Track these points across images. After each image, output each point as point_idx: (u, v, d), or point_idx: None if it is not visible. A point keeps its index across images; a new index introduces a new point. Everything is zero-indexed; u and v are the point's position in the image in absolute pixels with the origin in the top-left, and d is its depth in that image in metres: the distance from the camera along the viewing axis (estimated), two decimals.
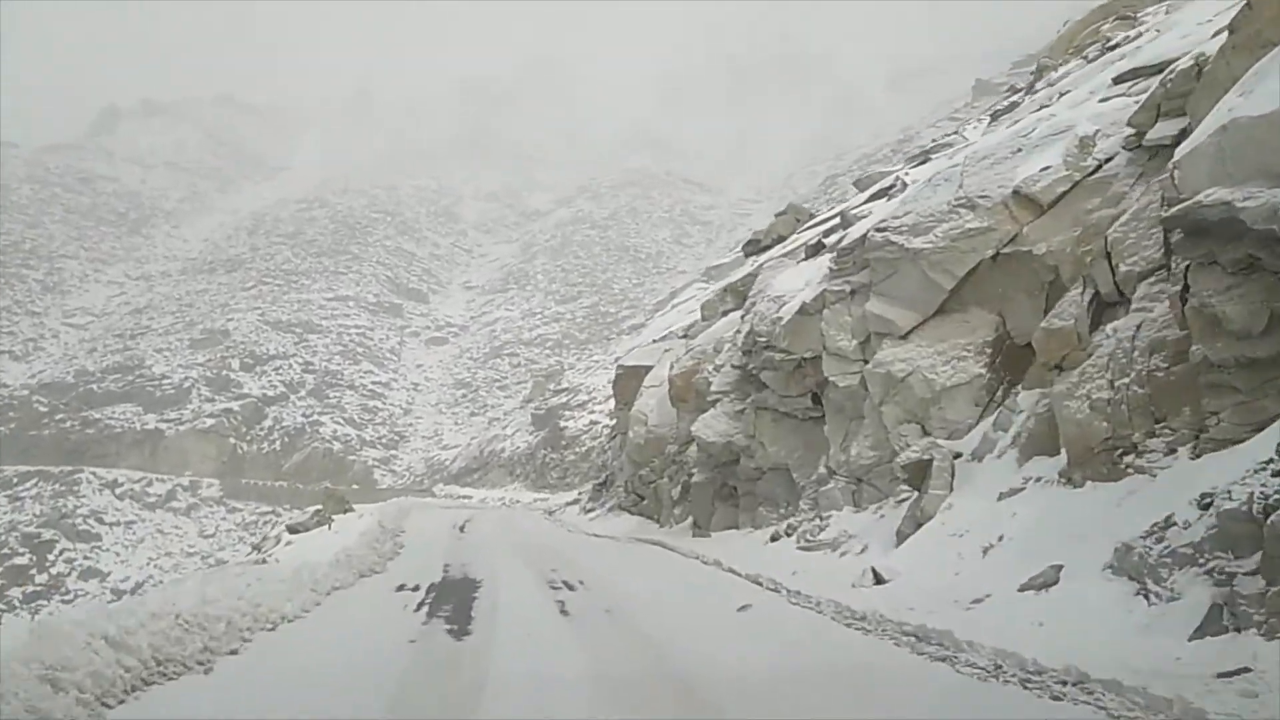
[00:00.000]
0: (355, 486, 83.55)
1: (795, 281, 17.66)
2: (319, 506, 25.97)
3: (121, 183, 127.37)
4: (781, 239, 26.47)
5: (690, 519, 20.95)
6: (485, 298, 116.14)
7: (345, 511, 27.29)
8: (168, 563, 77.42)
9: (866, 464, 14.39)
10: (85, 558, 77.25)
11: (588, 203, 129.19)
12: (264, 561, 18.59)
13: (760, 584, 11.82)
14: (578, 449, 74.53)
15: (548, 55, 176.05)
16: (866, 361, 14.99)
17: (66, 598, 71.87)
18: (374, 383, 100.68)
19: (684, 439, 23.77)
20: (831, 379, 15.31)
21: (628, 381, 28.88)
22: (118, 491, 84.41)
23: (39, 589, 74.04)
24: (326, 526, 23.11)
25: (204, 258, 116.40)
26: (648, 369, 28.39)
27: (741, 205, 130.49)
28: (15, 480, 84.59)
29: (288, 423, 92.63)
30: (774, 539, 15.36)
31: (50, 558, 76.73)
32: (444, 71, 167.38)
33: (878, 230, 14.89)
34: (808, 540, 14.13)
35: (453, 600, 10.93)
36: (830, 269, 16.02)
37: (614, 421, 34.87)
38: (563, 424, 77.50)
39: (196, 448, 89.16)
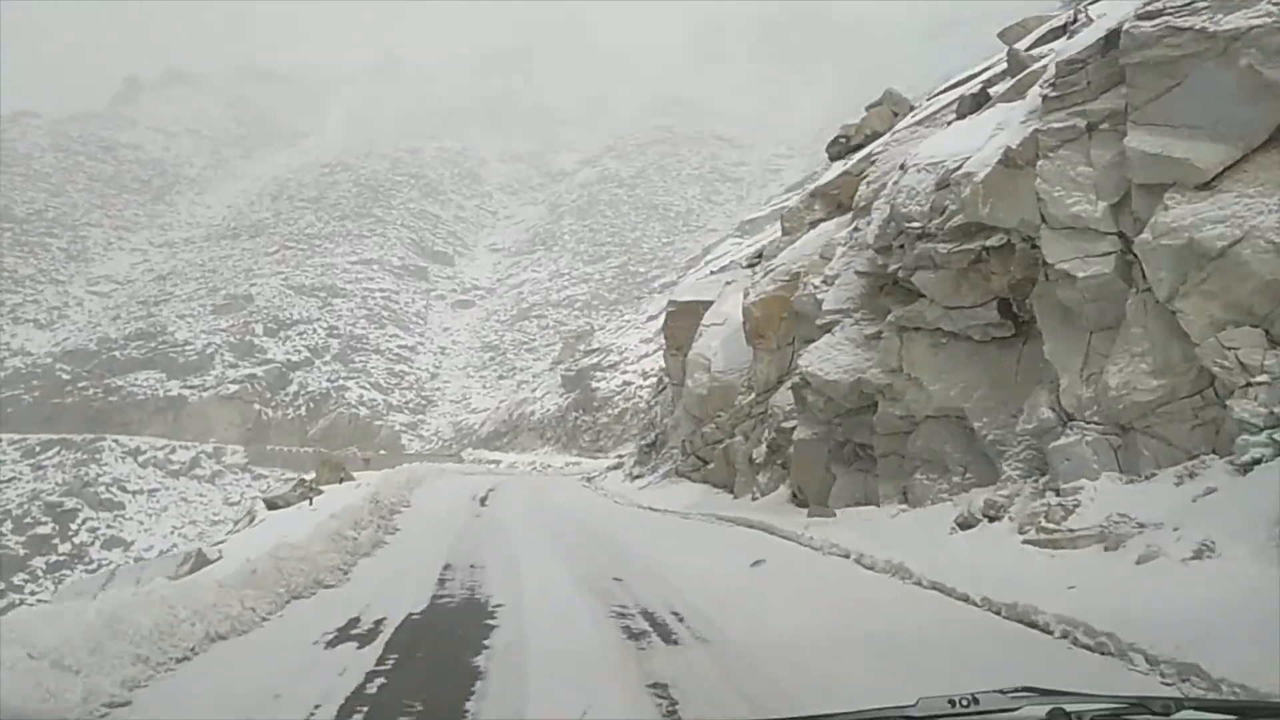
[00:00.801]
0: (383, 452, 78.64)
1: (962, 141, 11.36)
2: (303, 477, 20.19)
3: (145, 150, 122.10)
4: (876, 135, 20.10)
5: (785, 489, 14.90)
6: (511, 259, 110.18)
7: (341, 480, 21.38)
8: (192, 531, 72.75)
9: (1143, 401, 8.21)
10: (108, 526, 73.15)
11: (614, 161, 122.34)
12: (201, 560, 12.80)
13: (1079, 641, 5.70)
14: (610, 410, 68.94)
15: (571, 17, 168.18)
16: (1123, 235, 8.77)
17: (90, 567, 67.50)
18: (400, 346, 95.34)
19: (765, 385, 17.69)
20: (1060, 266, 9.08)
21: (682, 321, 22.79)
22: (140, 459, 79.97)
23: (62, 559, 70.27)
24: (308, 502, 17.19)
25: (227, 223, 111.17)
26: (707, 305, 22.27)
27: (773, 160, 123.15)
28: (38, 449, 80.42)
29: (313, 388, 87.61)
30: (964, 525, 9.28)
31: (73, 527, 72.72)
32: (466, 36, 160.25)
33: (1144, 18, 8.54)
34: (1046, 529, 8.03)
35: (428, 681, 4.92)
36: (1044, 98, 9.70)
37: (662, 372, 28.52)
38: (594, 385, 71.84)
39: (220, 414, 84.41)
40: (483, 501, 19.42)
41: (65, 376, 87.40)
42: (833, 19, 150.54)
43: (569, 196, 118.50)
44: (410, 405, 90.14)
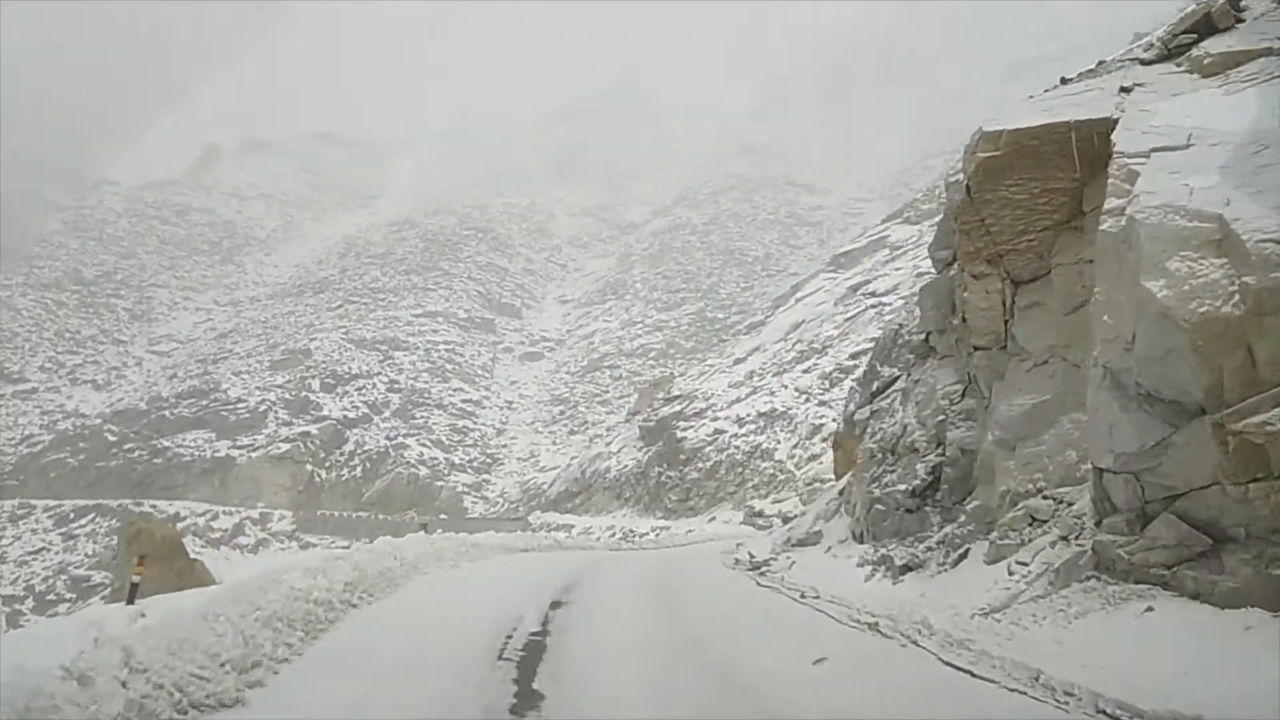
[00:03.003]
0: (443, 516, 65.28)
1: None
2: None
3: (217, 214, 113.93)
4: None
5: None
6: (581, 310, 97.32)
7: (132, 575, 8.57)
8: None
9: None
10: None
11: (686, 210, 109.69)
12: None
13: None
14: (701, 464, 54.12)
15: (636, 73, 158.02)
16: None
17: None
18: (464, 401, 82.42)
19: None
20: None
21: (1017, 170, 8.47)
22: (179, 526, 67.04)
23: None
24: None
25: (293, 282, 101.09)
26: (1090, 127, 7.97)
27: (852, 205, 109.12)
28: (72, 516, 68.59)
29: (370, 446, 74.90)
30: None
31: (94, 604, 58.99)
32: (533, 96, 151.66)
33: None
34: None
35: None
36: None
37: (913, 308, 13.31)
38: (679, 436, 57.05)
39: (270, 476, 71.99)
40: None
41: (112, 438, 76.40)
42: (906, 64, 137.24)
43: (640, 246, 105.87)
44: (474, 464, 76.60)
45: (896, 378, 13.13)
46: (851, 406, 14.71)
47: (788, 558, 12.30)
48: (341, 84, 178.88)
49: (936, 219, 68.93)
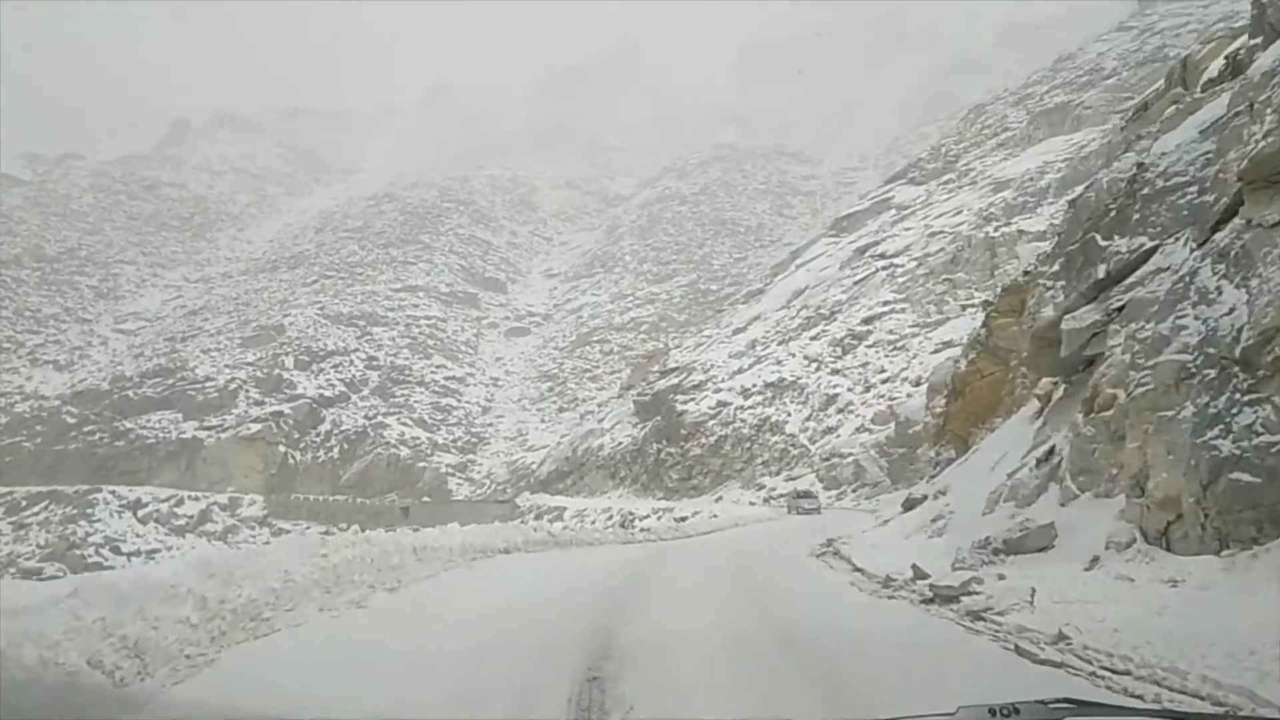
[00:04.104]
0: (426, 499, 59.65)
1: None
2: None
3: (188, 189, 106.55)
4: None
5: None
6: (569, 284, 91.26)
7: None
8: None
9: None
10: None
11: (675, 181, 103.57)
12: None
13: None
14: (704, 439, 48.32)
15: (624, 43, 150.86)
16: None
17: None
18: (447, 378, 76.33)
19: None
20: None
21: None
22: (140, 514, 60.98)
23: None
24: None
25: (267, 257, 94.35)
26: None
27: (845, 174, 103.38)
28: (24, 504, 61.84)
29: (347, 426, 68.78)
30: None
31: None
32: (517, 68, 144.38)
33: None
34: None
35: None
36: None
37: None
38: (679, 410, 51.12)
39: (239, 458, 65.72)
40: None
41: (71, 420, 69.55)
42: (896, 29, 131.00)
43: (628, 218, 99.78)
44: (459, 444, 70.63)
45: (1152, 250, 7.39)
46: (1049, 311, 8.75)
47: (1000, 577, 6.23)
48: (316, 56, 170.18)
49: (945, 178, 60.51)
